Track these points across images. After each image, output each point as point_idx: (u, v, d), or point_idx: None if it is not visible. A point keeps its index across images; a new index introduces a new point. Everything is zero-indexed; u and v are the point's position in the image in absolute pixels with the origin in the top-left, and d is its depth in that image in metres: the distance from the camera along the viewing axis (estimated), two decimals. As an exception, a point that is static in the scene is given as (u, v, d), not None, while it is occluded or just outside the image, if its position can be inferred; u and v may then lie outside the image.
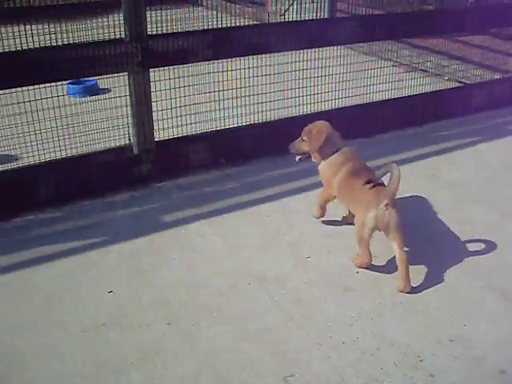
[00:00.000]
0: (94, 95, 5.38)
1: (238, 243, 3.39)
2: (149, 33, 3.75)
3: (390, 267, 3.18)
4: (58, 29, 4.75)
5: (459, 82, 5.87)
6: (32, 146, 3.87)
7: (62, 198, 3.74)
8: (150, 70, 3.81)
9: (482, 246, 3.44)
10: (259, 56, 4.34)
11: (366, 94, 4.87)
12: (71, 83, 5.69)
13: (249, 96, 4.37)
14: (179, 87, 4.11)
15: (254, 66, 4.38)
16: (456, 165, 4.42)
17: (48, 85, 3.74)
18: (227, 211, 3.70)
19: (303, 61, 4.60)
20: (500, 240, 3.48)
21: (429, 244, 3.43)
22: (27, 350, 2.60)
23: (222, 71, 4.32)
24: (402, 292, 3.00)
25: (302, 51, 4.53)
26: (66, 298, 2.92)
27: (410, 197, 3.93)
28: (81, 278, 3.08)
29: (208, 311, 2.84)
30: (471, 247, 3.42)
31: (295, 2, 8.09)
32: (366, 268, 3.16)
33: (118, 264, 3.19)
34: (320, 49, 4.66)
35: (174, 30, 5.80)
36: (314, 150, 3.39)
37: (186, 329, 2.73)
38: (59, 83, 3.82)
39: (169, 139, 4.09)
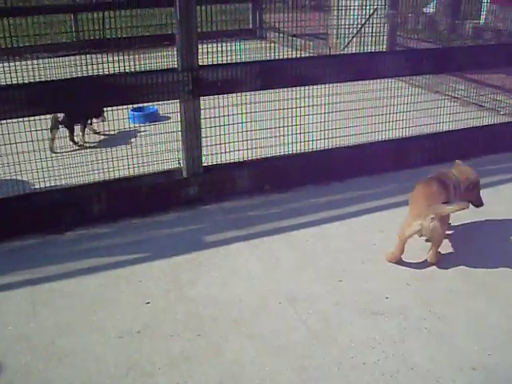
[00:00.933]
0: (154, 122, 5.67)
1: (274, 265, 3.53)
2: (200, 63, 3.99)
3: (419, 295, 3.26)
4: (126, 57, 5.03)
5: (514, 116, 5.88)
6: (92, 164, 4.18)
7: (114, 216, 4.00)
8: (200, 97, 4.03)
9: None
10: (309, 87, 4.51)
11: (417, 126, 4.96)
12: (134, 110, 6.00)
13: (296, 125, 4.53)
14: (228, 115, 4.31)
15: (303, 96, 4.55)
16: (504, 198, 4.43)
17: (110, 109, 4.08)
18: (267, 234, 3.85)
19: (351, 93, 4.76)
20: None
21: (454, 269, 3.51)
22: (66, 350, 2.82)
23: (270, 101, 4.50)
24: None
25: (352, 83, 4.69)
26: (107, 305, 3.14)
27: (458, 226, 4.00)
28: (122, 288, 3.29)
29: (237, 326, 2.98)
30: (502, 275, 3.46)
31: (355, 37, 8.26)
32: (395, 262, 3.52)
33: (158, 278, 3.39)
34: (371, 81, 4.81)
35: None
36: None
37: (214, 341, 2.88)
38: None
39: (216, 164, 4.30)
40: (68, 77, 5.33)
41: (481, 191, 3.85)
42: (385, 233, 3.90)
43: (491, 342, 2.92)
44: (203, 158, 4.20)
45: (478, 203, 3.83)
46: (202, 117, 4.13)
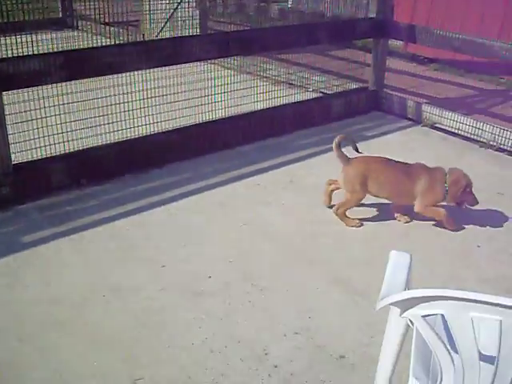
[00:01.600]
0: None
1: (96, 258, 3.47)
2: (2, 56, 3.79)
3: (241, 271, 3.37)
4: None
5: (322, 92, 6.20)
6: None
7: None
8: (4, 92, 3.83)
9: (330, 241, 3.70)
10: (121, 74, 4.46)
11: (230, 107, 5.08)
12: None
13: (111, 114, 4.47)
14: (38, 109, 4.16)
15: (115, 84, 4.49)
16: (313, 170, 4.68)
17: None
18: (87, 228, 3.76)
19: (165, 78, 4.78)
20: (346, 236, 3.78)
21: (273, 242, 3.67)
22: None
23: (83, 91, 4.41)
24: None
25: (162, 69, 4.69)
26: None
27: (270, 202, 4.17)
28: None
29: (62, 325, 2.90)
30: (317, 244, 3.68)
31: (168, 22, 8.25)
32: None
33: (-29, 287, 3.20)
34: (183, 65, 4.84)
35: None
36: None
37: (38, 344, 2.78)
38: None
39: (28, 161, 4.11)
40: None
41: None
42: (205, 214, 3.98)
43: (311, 306, 3.10)
44: (12, 156, 4.00)
45: (474, 203, 3.92)
46: (8, 112, 3.93)
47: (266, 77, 6.51)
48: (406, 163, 3.93)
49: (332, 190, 4.07)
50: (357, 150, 3.99)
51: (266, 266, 3.44)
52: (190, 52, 4.57)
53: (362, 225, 3.92)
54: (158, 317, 2.98)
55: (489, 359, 1.53)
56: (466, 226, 3.95)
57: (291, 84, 6.36)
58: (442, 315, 1.49)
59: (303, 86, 6.36)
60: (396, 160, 3.93)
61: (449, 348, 1.58)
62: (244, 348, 2.79)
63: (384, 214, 4.06)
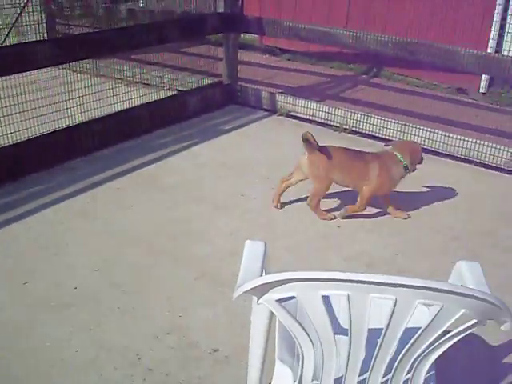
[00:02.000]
0: None
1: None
2: None
3: (107, 279, 3.30)
4: None
5: (177, 90, 6.19)
6: None
7: None
8: None
9: (194, 238, 3.71)
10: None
11: (86, 111, 4.94)
12: None
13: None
14: None
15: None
16: (174, 169, 4.67)
17: None
18: None
19: (11, 87, 4.56)
20: (213, 231, 3.81)
21: (138, 246, 3.64)
22: None
23: None
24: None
25: (9, 77, 4.47)
26: None
27: (132, 204, 4.11)
28: None
29: None
30: (182, 242, 3.67)
31: (14, 28, 7.89)
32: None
33: None
34: (32, 72, 4.63)
35: None
36: None
37: None
38: None
39: None
40: None
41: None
42: (65, 224, 3.86)
43: (181, 304, 3.10)
44: None
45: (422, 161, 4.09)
46: None
47: (120, 78, 6.40)
48: (363, 151, 4.06)
49: (285, 188, 4.10)
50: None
51: (133, 271, 3.39)
52: (36, 58, 4.38)
53: (334, 218, 4.01)
54: (23, 335, 2.85)
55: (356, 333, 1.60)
56: (325, 210, 4.09)
57: (146, 84, 6.30)
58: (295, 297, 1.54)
59: (158, 84, 6.32)
60: (354, 149, 4.06)
61: (304, 327, 1.63)
62: (116, 356, 2.74)
63: (251, 205, 4.14)
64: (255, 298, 1.70)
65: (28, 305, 3.07)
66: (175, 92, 6.11)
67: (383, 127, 5.37)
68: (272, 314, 1.80)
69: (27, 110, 4.57)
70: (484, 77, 6.84)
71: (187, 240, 3.70)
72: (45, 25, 7.46)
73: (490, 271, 2.14)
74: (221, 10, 5.99)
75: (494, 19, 6.59)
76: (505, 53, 5.92)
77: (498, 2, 6.56)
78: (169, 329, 2.92)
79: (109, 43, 4.98)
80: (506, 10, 6.53)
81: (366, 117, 5.49)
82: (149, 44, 5.62)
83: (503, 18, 6.54)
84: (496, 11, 6.58)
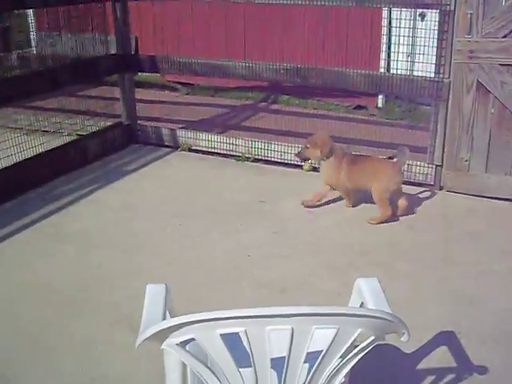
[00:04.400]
0: None
1: None
2: None
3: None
4: None
5: (77, 135, 6.10)
6: None
7: None
8: None
9: (105, 284, 3.65)
10: None
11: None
12: None
13: None
14: None
15: None
16: (78, 216, 4.59)
17: None
18: None
19: None
20: (124, 274, 3.77)
21: (49, 299, 3.54)
22: None
23: None
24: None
25: None
26: None
27: (40, 257, 4.00)
28: None
29: None
30: (92, 290, 3.61)
31: None
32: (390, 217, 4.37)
33: None
34: None
35: None
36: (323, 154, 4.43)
37: None
38: None
39: None
40: None
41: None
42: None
43: (98, 355, 3.03)
44: None
45: None
46: None
47: (18, 128, 6.25)
48: None
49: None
50: None
51: (46, 325, 3.28)
52: None
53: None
54: None
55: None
56: (234, 238, 4.14)
57: (45, 131, 6.18)
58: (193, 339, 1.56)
59: (57, 131, 6.21)
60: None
61: (211, 368, 1.66)
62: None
63: (160, 244, 4.13)
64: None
65: None
66: (75, 137, 6.02)
67: (284, 152, 5.48)
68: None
69: None
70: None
71: (99, 287, 3.63)
72: None
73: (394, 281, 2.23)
74: (113, 51, 5.99)
75: (382, 40, 6.95)
76: (393, 71, 6.21)
77: (382, 24, 6.92)
78: (88, 380, 2.84)
79: (1, 93, 4.87)
80: (389, 31, 6.89)
81: (266, 144, 5.59)
82: (43, 90, 5.55)
83: (389, 39, 6.91)
84: (383, 33, 6.93)
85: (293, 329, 1.55)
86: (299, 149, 4.66)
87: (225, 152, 5.75)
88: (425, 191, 4.94)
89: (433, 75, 4.87)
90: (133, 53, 6.12)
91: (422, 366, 2.91)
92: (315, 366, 1.69)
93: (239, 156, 5.63)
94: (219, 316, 1.48)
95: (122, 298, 3.52)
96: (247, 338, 1.54)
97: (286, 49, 7.16)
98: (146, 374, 2.89)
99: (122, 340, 3.13)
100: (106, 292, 3.59)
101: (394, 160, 4.48)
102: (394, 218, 4.40)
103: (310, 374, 1.70)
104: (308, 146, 4.47)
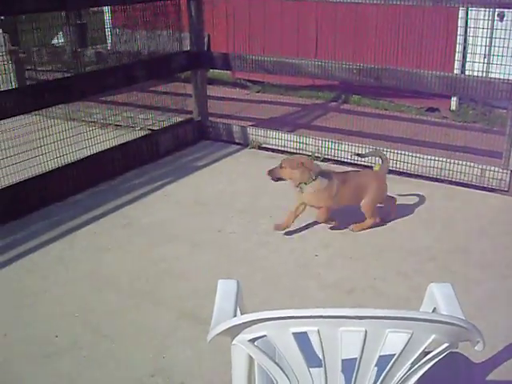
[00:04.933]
0: None
1: None
2: None
3: (87, 324, 3.29)
4: None
5: (149, 129, 6.22)
6: None
7: None
8: None
9: (173, 278, 3.71)
10: None
11: (57, 157, 4.94)
12: None
13: None
14: None
15: None
16: (149, 209, 4.68)
17: None
18: None
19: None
20: (191, 269, 3.82)
21: (117, 289, 3.63)
22: None
23: None
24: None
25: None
26: None
27: (110, 248, 4.11)
28: None
29: None
30: (162, 283, 3.67)
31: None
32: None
33: None
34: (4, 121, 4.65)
35: None
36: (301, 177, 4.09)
37: None
38: None
39: None
40: None
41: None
42: (42, 272, 3.85)
43: (163, 345, 3.09)
44: None
45: None
46: None
47: (92, 121, 6.44)
48: None
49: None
50: None
51: (113, 315, 3.38)
52: (6, 107, 4.41)
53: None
54: (5, 390, 2.84)
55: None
56: (303, 237, 4.13)
57: (118, 125, 6.33)
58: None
59: (130, 125, 6.35)
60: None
61: (281, 364, 1.65)
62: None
63: (228, 241, 4.17)
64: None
65: (7, 357, 3.05)
66: (147, 132, 6.14)
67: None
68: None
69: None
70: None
71: (166, 280, 3.70)
72: (13, 74, 7.52)
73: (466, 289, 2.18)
74: (187, 48, 6.07)
75: (458, 41, 6.79)
76: (468, 72, 6.07)
77: (458, 24, 6.76)
78: (153, 371, 2.90)
79: (78, 88, 5.03)
80: (466, 32, 6.72)
81: (336, 144, 5.56)
82: (117, 86, 5.69)
83: (465, 40, 6.74)
84: (458, 33, 6.77)
85: (366, 331, 1.53)
86: (272, 168, 4.15)
87: (294, 151, 5.74)
88: (497, 197, 4.80)
89: (510, 77, 4.73)
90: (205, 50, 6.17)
91: (492, 377, 2.84)
92: (386, 371, 1.67)
93: (309, 155, 5.61)
94: (293, 314, 1.48)
95: (187, 291, 3.57)
96: (320, 337, 1.53)
97: (358, 49, 7.10)
98: (209, 368, 2.92)
99: (186, 333, 3.19)
100: (173, 285, 3.65)
101: (377, 168, 4.46)
102: (382, 223, 4.35)
103: (380, 378, 1.68)
104: (283, 165, 4.09)
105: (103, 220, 4.51)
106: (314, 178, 4.07)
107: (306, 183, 4.07)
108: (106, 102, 6.95)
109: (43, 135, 4.89)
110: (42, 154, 4.84)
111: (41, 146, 4.84)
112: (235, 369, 2.02)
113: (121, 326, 3.28)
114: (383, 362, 1.65)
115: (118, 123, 6.40)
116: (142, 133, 6.10)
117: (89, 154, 5.21)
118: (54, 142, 4.94)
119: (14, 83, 7.48)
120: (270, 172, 4.11)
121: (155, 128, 6.14)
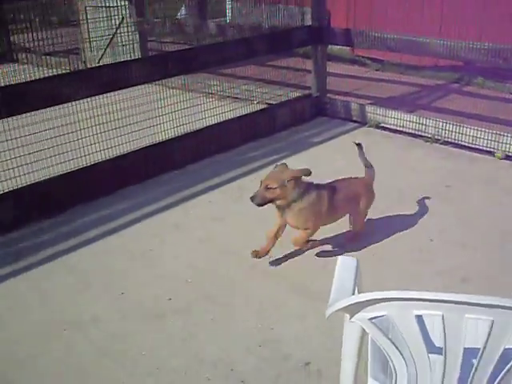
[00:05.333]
0: None
1: (52, 293, 3.42)
2: None
3: (200, 291, 3.38)
4: None
5: (267, 103, 6.25)
6: None
7: None
8: None
9: (283, 251, 3.71)
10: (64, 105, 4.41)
11: (178, 126, 5.09)
12: None
13: (56, 146, 4.42)
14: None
15: (59, 115, 4.47)
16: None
17: None
18: (42, 263, 3.71)
19: (109, 104, 4.75)
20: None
21: (229, 258, 3.71)
22: None
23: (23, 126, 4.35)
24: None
25: (107, 95, 4.66)
26: None
27: (224, 217, 4.19)
28: None
29: (22, 365, 2.86)
30: (273, 254, 3.68)
31: (108, 48, 8.22)
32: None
33: None
34: (128, 89, 4.84)
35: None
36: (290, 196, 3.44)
37: (-3, 387, 2.75)
38: None
39: (-24, 200, 4.05)
40: None
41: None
42: (159, 236, 3.98)
43: (272, 317, 3.13)
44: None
45: None
46: None
47: (211, 93, 6.56)
48: None
49: None
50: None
51: (225, 282, 3.46)
52: (131, 76, 4.56)
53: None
54: (120, 345, 2.96)
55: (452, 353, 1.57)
56: (417, 221, 4.03)
57: (236, 98, 6.41)
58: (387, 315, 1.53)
59: (248, 98, 6.41)
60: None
61: (398, 346, 1.62)
62: (209, 366, 2.79)
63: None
64: (347, 316, 1.70)
65: (124, 315, 3.19)
66: (265, 106, 6.18)
67: (476, 137, 5.21)
68: (364, 331, 1.79)
69: (123, 126, 4.76)
70: None
71: (278, 253, 3.72)
72: (138, 44, 7.78)
73: None
74: (308, 23, 6.02)
75: None
76: None
77: None
78: (261, 341, 2.95)
79: (200, 59, 5.12)
80: None
81: (458, 127, 5.35)
82: (238, 59, 5.73)
83: None
84: None
85: (493, 321, 1.47)
86: (257, 193, 3.46)
87: (413, 132, 5.60)
88: None
89: None
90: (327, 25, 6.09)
91: None
92: (508, 366, 1.60)
93: (428, 137, 5.45)
94: (418, 296, 1.44)
95: (301, 265, 3.58)
96: (443, 323, 1.48)
97: (486, 28, 6.75)
98: (316, 344, 2.92)
99: (297, 307, 3.20)
100: (284, 259, 3.66)
101: (365, 176, 3.87)
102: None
103: (502, 372, 1.61)
104: (270, 185, 3.41)
105: (218, 190, 4.60)
106: (301, 192, 3.48)
107: (295, 201, 3.46)
108: (225, 74, 7.04)
109: (163, 105, 5.04)
110: (162, 123, 5.00)
111: (161, 116, 4.99)
112: (346, 346, 2.00)
113: (231, 294, 3.35)
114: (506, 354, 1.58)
115: (235, 96, 6.47)
116: (260, 106, 6.14)
117: (206, 125, 5.31)
118: (172, 112, 5.08)
119: (137, 53, 7.76)
120: (255, 198, 3.43)
121: (273, 102, 6.16)
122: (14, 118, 4.12)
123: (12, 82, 5.46)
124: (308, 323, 3.06)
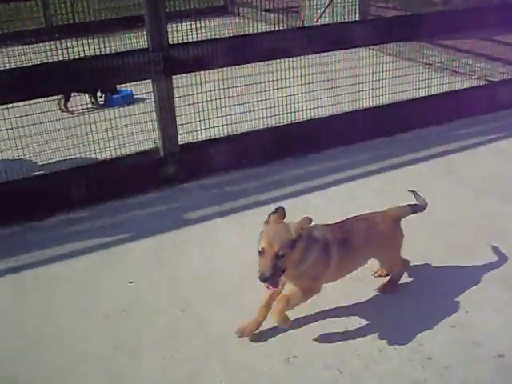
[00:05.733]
0: (130, 103, 5.65)
1: (254, 238, 3.54)
2: (171, 42, 4.00)
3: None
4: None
5: (486, 80, 5.92)
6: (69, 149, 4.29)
7: (93, 199, 4.01)
8: (173, 76, 4.04)
9: (495, 237, 3.51)
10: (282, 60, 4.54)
11: (389, 94, 5.01)
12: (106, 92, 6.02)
13: (270, 99, 4.56)
14: (201, 92, 4.38)
15: (276, 69, 4.59)
16: (475, 160, 4.50)
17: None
18: (246, 208, 3.89)
19: (323, 64, 4.79)
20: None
21: (433, 233, 3.59)
22: (53, 334, 2.85)
23: (243, 76, 4.53)
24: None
25: (322, 55, 4.71)
26: (91, 288, 3.18)
27: (432, 191, 4.03)
28: (105, 270, 3.33)
29: (220, 300, 3.03)
30: (481, 238, 3.51)
31: (328, 8, 8.25)
32: None
33: (141, 257, 3.43)
34: (341, 51, 4.85)
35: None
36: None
37: (199, 316, 2.93)
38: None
39: (192, 142, 4.32)
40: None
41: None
42: (358, 200, 3.97)
43: (469, 300, 3.00)
44: (179, 137, 4.22)
45: None
46: (176, 95, 4.15)
47: (427, 63, 6.34)
48: None
49: None
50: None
51: (428, 256, 3.35)
52: (353, 38, 4.56)
53: None
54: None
55: None
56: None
57: (454, 71, 6.14)
58: None
59: (466, 73, 6.10)
60: None
61: None
62: (398, 338, 2.75)
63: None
64: None
65: (132, 302, 3.09)
66: (484, 82, 5.84)
67: None
68: None
69: (335, 88, 4.80)
70: None
71: (488, 237, 3.51)
72: (357, 6, 7.71)
73: None
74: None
75: None
76: None
77: None
78: (453, 322, 2.85)
79: (425, 27, 4.96)
80: None
81: None
82: (465, 30, 5.44)
83: None
84: None
85: None
86: (269, 268, 2.51)
87: None
88: None
89: None
90: None
91: None
92: None
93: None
94: None
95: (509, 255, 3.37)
96: None
97: None
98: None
99: (496, 296, 3.02)
100: (492, 244, 3.44)
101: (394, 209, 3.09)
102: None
103: None
104: (281, 252, 2.52)
105: (427, 163, 4.48)
106: (304, 248, 2.65)
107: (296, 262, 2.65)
108: (444, 45, 6.76)
109: (378, 70, 4.97)
110: (373, 89, 4.93)
111: (373, 81, 4.94)
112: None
113: (433, 269, 3.25)
114: None
115: (453, 69, 6.20)
116: (479, 82, 5.82)
117: (419, 96, 5.16)
118: (386, 79, 4.99)
119: (356, 15, 7.70)
120: (268, 277, 2.50)
121: (494, 79, 5.81)
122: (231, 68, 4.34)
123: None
124: (506, 315, 2.88)
